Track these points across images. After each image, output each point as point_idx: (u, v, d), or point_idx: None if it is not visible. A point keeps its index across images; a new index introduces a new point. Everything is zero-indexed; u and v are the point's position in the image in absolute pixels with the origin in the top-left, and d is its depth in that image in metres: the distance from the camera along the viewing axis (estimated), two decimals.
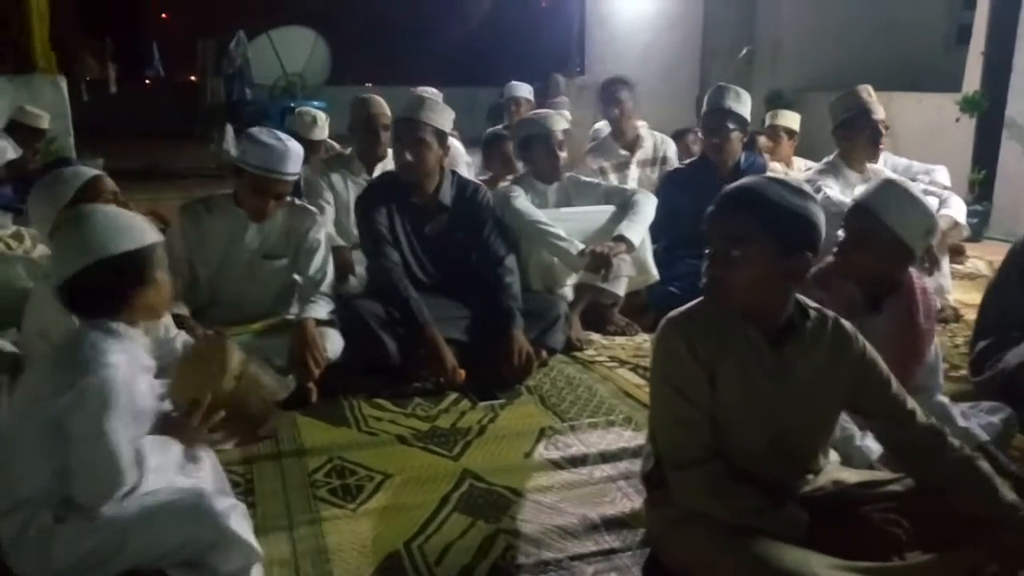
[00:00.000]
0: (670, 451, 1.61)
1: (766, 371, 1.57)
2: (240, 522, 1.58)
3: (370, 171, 3.78)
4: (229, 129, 8.47)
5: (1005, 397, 2.36)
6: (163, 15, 23.25)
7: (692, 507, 1.58)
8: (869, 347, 1.64)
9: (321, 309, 2.75)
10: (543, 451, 2.39)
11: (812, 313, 1.61)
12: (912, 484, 1.64)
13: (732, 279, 1.53)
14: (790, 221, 1.50)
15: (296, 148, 2.76)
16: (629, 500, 2.07)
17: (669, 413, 1.60)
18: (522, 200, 3.45)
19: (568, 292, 3.52)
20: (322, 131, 4.63)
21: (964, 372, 2.92)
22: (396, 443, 2.42)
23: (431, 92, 4.88)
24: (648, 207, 3.50)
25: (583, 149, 4.69)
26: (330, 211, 3.66)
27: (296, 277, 2.93)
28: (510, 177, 4.00)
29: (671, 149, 4.51)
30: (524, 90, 5.56)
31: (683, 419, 1.57)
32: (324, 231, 2.96)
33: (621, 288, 3.53)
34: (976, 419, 2.18)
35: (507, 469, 2.26)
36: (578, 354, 3.26)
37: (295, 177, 2.85)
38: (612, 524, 1.96)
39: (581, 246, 3.32)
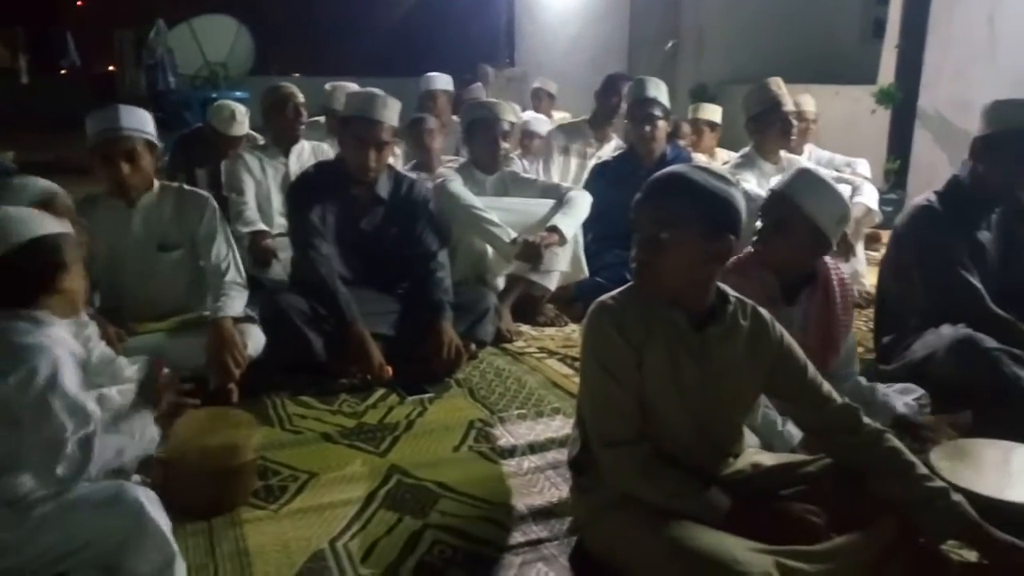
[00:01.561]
0: (601, 430, 1.63)
1: (690, 353, 1.61)
2: (158, 512, 1.53)
3: (286, 154, 3.76)
4: (151, 121, 8.19)
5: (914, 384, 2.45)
6: (78, 3, 22.33)
7: (621, 487, 1.60)
8: (786, 334, 1.69)
9: (236, 304, 2.64)
10: (472, 444, 2.38)
11: (732, 299, 1.66)
12: (827, 466, 1.68)
13: (660, 263, 1.57)
14: (715, 205, 1.55)
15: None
16: (557, 489, 2.08)
17: (601, 393, 1.63)
18: (458, 184, 3.45)
19: (499, 283, 3.53)
20: (241, 126, 4.52)
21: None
22: (321, 441, 2.38)
23: (348, 87, 4.82)
24: (583, 203, 3.53)
25: (511, 140, 4.70)
26: (250, 195, 3.59)
27: (200, 264, 2.81)
28: (450, 164, 3.99)
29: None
30: (442, 81, 5.51)
31: (614, 399, 1.60)
32: (218, 216, 2.81)
33: (553, 282, 3.56)
34: (891, 399, 2.27)
35: (435, 463, 2.25)
36: (508, 346, 3.26)
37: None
38: (540, 514, 1.97)
39: (514, 234, 3.33)
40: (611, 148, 4.46)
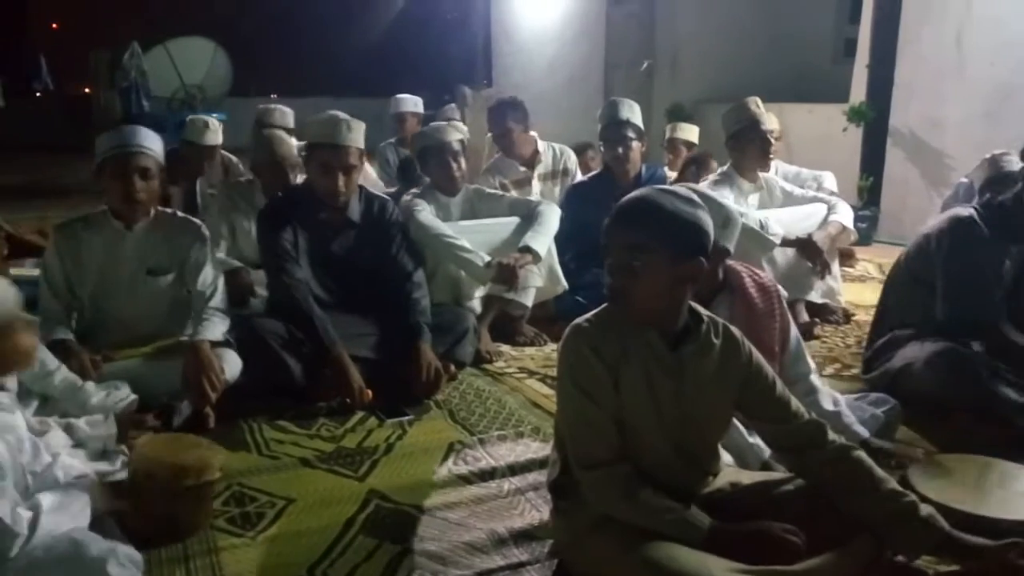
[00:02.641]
0: (580, 453, 1.63)
1: (666, 372, 1.62)
2: (119, 568, 1.49)
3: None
4: None
5: (890, 395, 2.47)
6: (53, 25, 22.21)
7: (603, 508, 1.61)
8: (755, 351, 1.71)
9: (216, 329, 2.62)
10: (452, 466, 2.36)
11: (705, 317, 1.67)
12: (805, 485, 1.69)
13: (633, 288, 1.58)
14: (683, 229, 1.56)
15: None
16: (538, 511, 2.07)
17: (578, 415, 1.63)
18: (426, 214, 3.43)
19: (476, 304, 3.52)
20: (215, 135, 4.52)
21: (856, 371, 3.06)
22: (299, 466, 2.35)
23: (281, 109, 4.81)
24: (552, 217, 3.53)
25: (489, 158, 4.70)
26: (224, 244, 3.53)
27: (185, 292, 2.80)
28: (414, 190, 3.97)
29: (571, 160, 4.54)
30: (410, 104, 5.52)
31: (592, 421, 1.61)
32: (209, 243, 2.83)
33: (529, 299, 3.55)
34: (860, 412, 2.27)
35: (415, 487, 2.22)
36: (487, 366, 3.25)
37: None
38: (520, 537, 1.95)
39: (487, 258, 3.32)
40: (551, 159, 4.44)
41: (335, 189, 2.87)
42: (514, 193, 4.23)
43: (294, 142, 3.74)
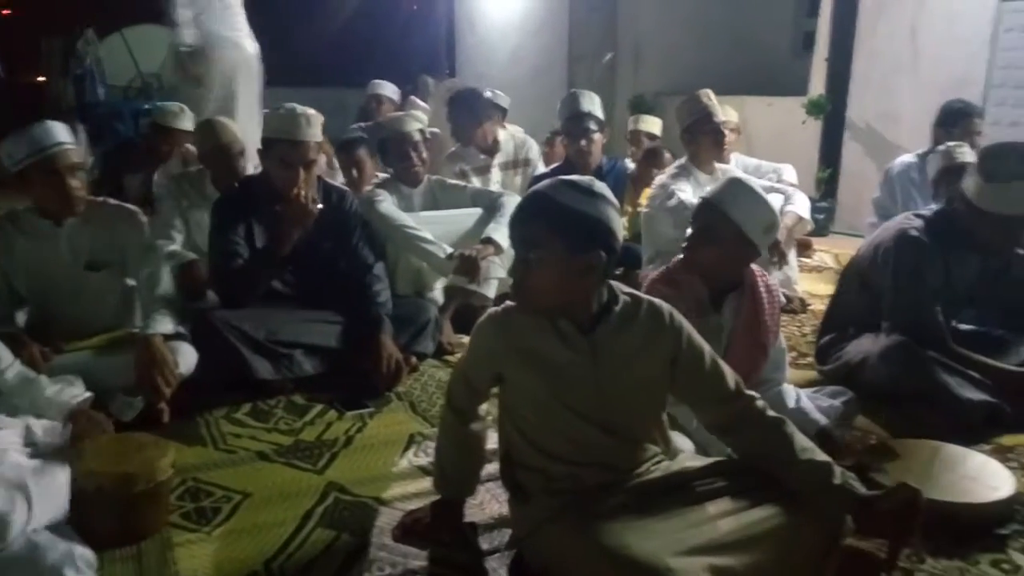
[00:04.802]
0: (448, 391, 1.86)
1: (580, 355, 1.63)
2: (75, 573, 1.46)
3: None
4: (81, 132, 7.93)
5: (847, 386, 2.51)
6: (4, 12, 21.58)
7: (437, 444, 1.92)
8: (688, 328, 1.71)
9: (166, 321, 2.56)
10: (412, 458, 2.36)
11: (623, 298, 1.68)
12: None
13: (532, 283, 1.61)
14: (578, 222, 1.57)
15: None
16: (498, 503, 2.07)
17: (463, 370, 1.82)
18: (387, 204, 3.41)
19: (438, 295, 3.51)
20: (189, 121, 4.44)
21: (811, 360, 3.11)
22: (256, 460, 2.33)
23: (176, 107, 4.70)
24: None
25: (449, 150, 4.68)
26: (179, 237, 3.47)
27: (129, 282, 2.74)
28: (375, 181, 3.95)
29: (534, 151, 4.55)
30: (388, 89, 5.52)
31: (469, 380, 1.79)
32: (147, 231, 2.77)
33: (491, 291, 3.55)
34: (819, 402, 2.32)
35: (374, 479, 2.21)
36: (449, 358, 3.24)
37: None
38: (481, 527, 1.96)
39: (449, 250, 3.31)
40: (511, 148, 4.45)
41: (295, 184, 2.82)
42: (475, 180, 4.24)
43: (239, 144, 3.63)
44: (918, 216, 2.82)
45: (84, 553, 1.54)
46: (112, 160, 4.76)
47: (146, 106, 8.30)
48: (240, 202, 2.96)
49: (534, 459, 1.71)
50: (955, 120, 3.95)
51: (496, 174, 4.36)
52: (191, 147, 4.52)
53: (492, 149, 4.40)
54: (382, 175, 3.85)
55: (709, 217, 2.09)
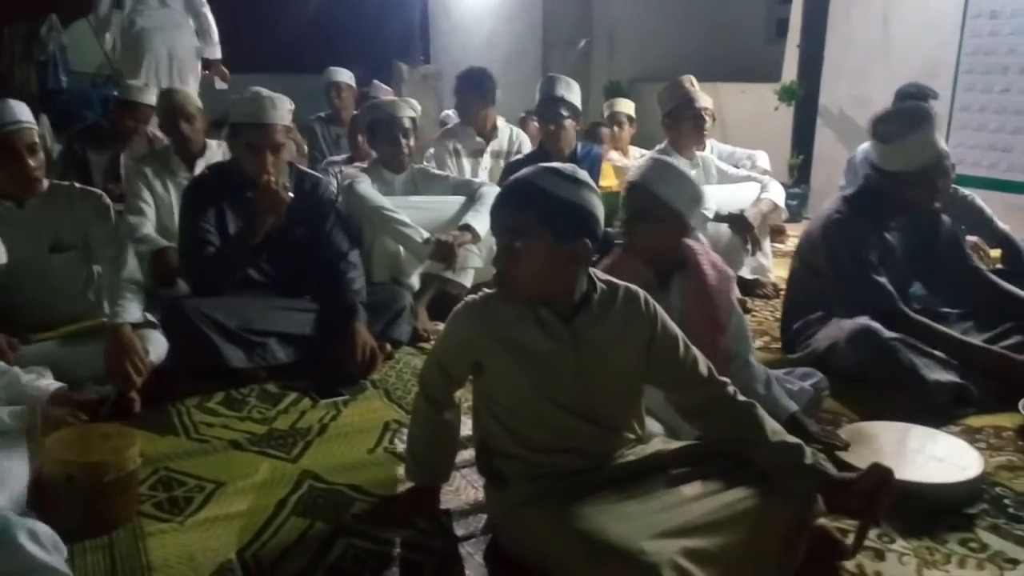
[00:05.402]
0: (424, 379, 1.86)
1: (561, 344, 1.63)
2: (41, 549, 1.44)
3: (190, 167, 3.58)
4: (44, 119, 7.77)
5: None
6: None
7: (409, 430, 1.93)
8: (661, 311, 1.72)
9: (135, 310, 2.53)
10: (387, 445, 2.35)
11: (601, 286, 1.68)
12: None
13: (517, 271, 1.59)
14: (564, 210, 1.56)
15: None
16: (473, 488, 2.07)
17: (435, 358, 1.82)
18: (366, 186, 3.39)
19: (415, 281, 3.50)
20: (153, 96, 4.38)
21: None
22: (229, 449, 2.30)
23: (141, 83, 4.72)
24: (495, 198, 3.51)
25: (427, 137, 4.66)
26: (150, 213, 3.43)
27: (96, 268, 2.70)
28: (358, 164, 3.93)
29: (525, 144, 4.56)
30: (344, 75, 5.52)
31: (444, 369, 1.79)
32: (112, 214, 2.73)
33: (468, 280, 3.54)
34: (789, 385, 2.33)
35: (349, 467, 2.20)
36: (424, 345, 3.22)
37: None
38: (457, 514, 1.95)
39: (426, 234, 3.30)
40: (505, 138, 4.45)
41: (264, 169, 2.78)
42: (466, 162, 4.24)
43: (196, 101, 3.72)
44: (843, 198, 2.94)
45: (49, 533, 1.51)
46: (78, 141, 4.67)
47: (115, 92, 8.15)
48: (212, 188, 2.92)
49: (511, 447, 1.70)
50: None
51: (487, 160, 4.35)
52: (158, 133, 4.47)
53: (489, 135, 4.40)
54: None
55: (639, 199, 2.11)
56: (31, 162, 2.51)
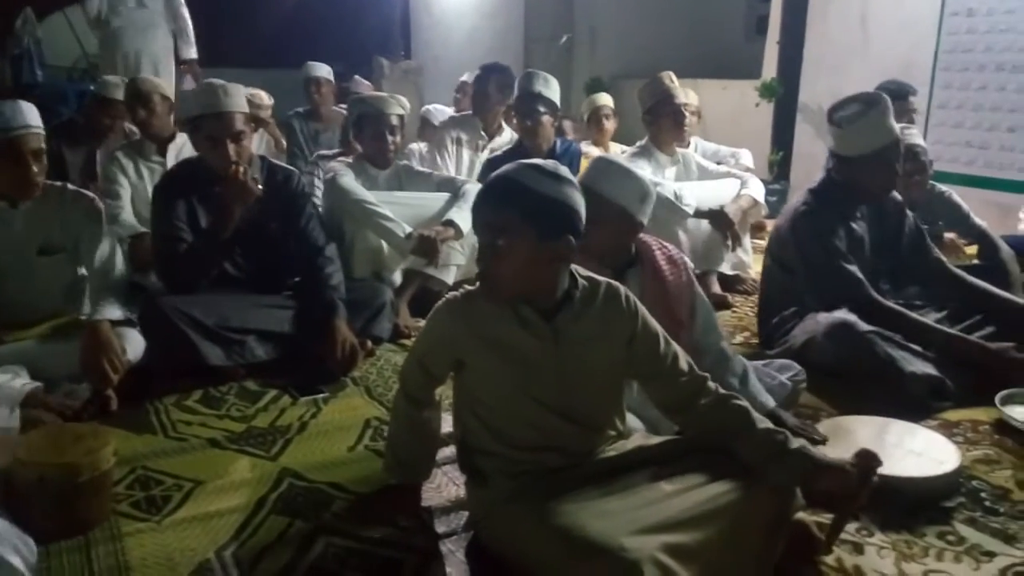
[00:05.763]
0: (402, 376, 1.85)
1: (543, 342, 1.62)
2: (9, 551, 1.42)
3: (162, 152, 3.59)
4: None
5: None
6: None
7: (390, 426, 1.94)
8: (642, 307, 1.71)
9: (114, 308, 2.50)
10: (368, 443, 2.33)
11: (582, 282, 1.68)
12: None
13: (499, 270, 1.58)
14: (547, 208, 1.54)
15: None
16: (455, 485, 2.06)
17: (415, 357, 1.79)
18: (348, 179, 3.38)
19: (397, 279, 3.48)
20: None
21: None
22: (208, 447, 2.28)
23: (117, 79, 4.69)
24: None
25: (407, 133, 4.64)
26: (126, 198, 3.43)
27: (82, 271, 2.67)
28: (343, 158, 3.91)
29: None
30: (323, 70, 5.51)
31: (424, 367, 1.76)
32: (103, 218, 2.72)
33: (450, 277, 3.53)
34: (769, 379, 2.34)
35: (329, 465, 2.19)
36: (405, 342, 3.20)
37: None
38: (438, 511, 1.94)
39: (408, 229, 3.29)
40: (505, 140, 4.45)
41: (227, 159, 2.75)
42: (465, 153, 4.24)
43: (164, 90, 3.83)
44: (809, 191, 2.96)
45: (12, 532, 1.48)
46: (53, 138, 4.62)
47: (92, 87, 8.05)
48: (182, 185, 2.88)
49: (492, 444, 1.70)
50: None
51: (484, 156, 4.34)
52: (134, 128, 4.42)
53: (494, 132, 4.42)
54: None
55: (587, 201, 2.10)
56: (34, 167, 2.48)
